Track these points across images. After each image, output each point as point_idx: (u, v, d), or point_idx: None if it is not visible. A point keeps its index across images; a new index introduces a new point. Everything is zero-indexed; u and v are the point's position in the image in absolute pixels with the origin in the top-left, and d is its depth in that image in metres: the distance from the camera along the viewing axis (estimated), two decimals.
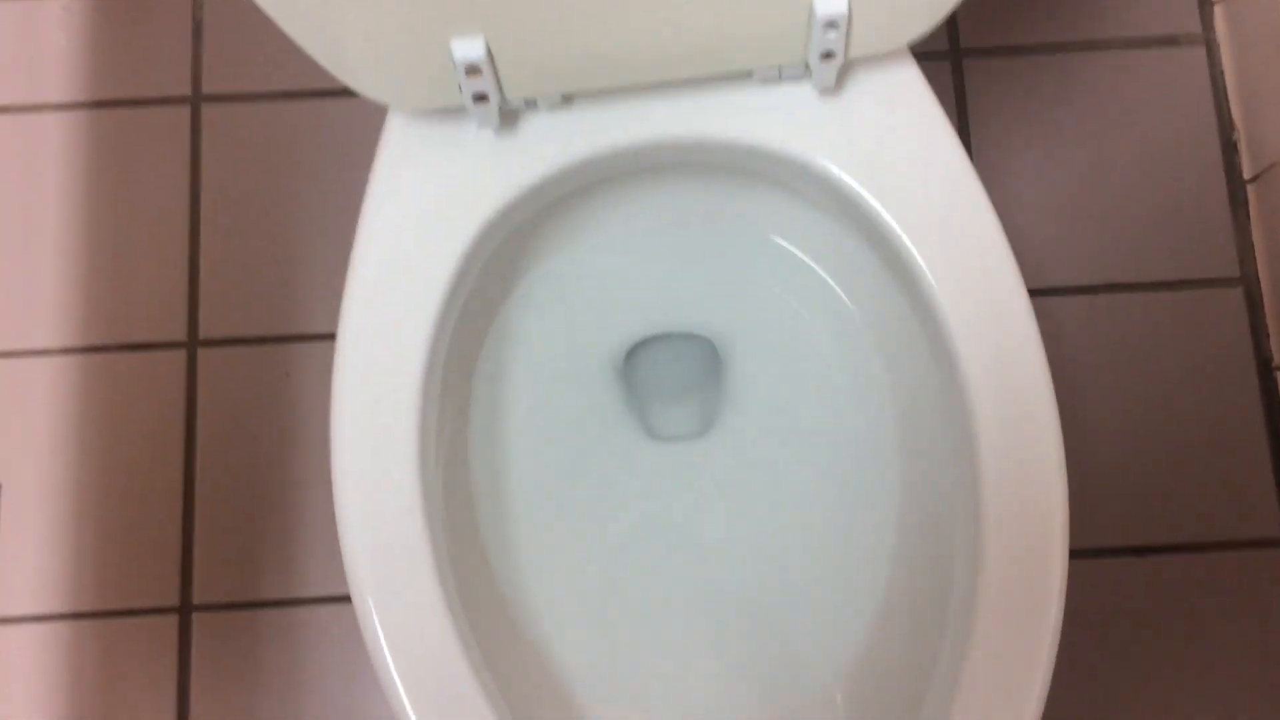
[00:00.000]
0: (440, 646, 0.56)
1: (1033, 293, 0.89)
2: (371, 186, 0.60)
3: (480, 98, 0.57)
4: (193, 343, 0.92)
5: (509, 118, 0.60)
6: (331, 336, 0.59)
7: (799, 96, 0.60)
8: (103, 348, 0.91)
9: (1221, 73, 0.93)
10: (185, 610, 0.88)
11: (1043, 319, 0.90)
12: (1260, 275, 0.90)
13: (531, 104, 0.60)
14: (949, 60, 0.95)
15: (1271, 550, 0.87)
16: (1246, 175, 0.92)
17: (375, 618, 0.55)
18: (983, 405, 0.57)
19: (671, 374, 0.77)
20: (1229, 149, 0.93)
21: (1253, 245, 0.91)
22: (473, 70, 0.55)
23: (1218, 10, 0.94)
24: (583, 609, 0.70)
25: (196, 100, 0.95)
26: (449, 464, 0.66)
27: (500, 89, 0.57)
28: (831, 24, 0.55)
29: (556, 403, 0.72)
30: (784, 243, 0.70)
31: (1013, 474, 0.57)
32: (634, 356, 0.76)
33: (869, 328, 0.69)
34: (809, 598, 0.69)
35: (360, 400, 0.58)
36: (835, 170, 0.60)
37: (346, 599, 0.57)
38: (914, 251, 0.59)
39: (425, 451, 0.59)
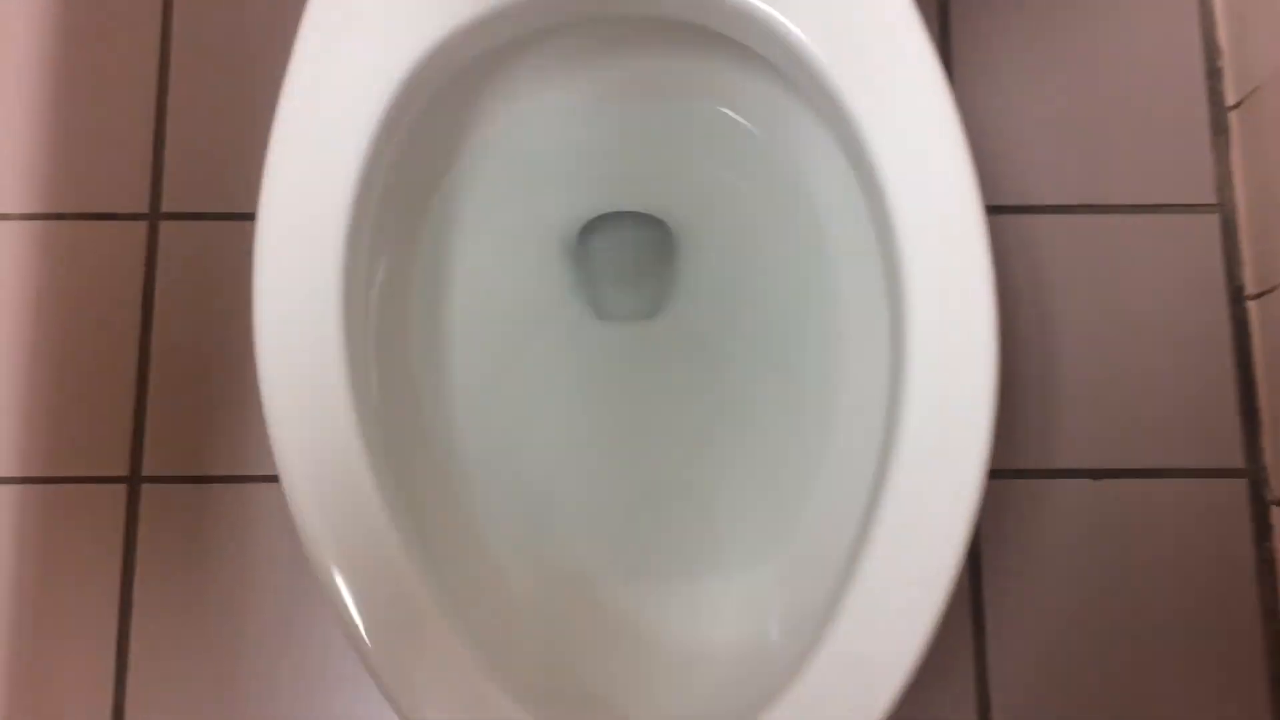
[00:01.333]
0: (359, 494, 0.55)
1: (1008, 209, 0.90)
2: (300, 29, 0.59)
3: None
4: (155, 215, 0.91)
5: None
6: None
7: None
8: (64, 215, 0.90)
9: None
10: (134, 480, 0.87)
11: (1017, 236, 0.90)
12: (1237, 202, 0.89)
13: None
14: None
15: (1231, 480, 0.86)
16: (1229, 101, 0.90)
17: (301, 485, 0.55)
18: (920, 289, 0.56)
19: (622, 253, 0.76)
20: (1213, 74, 0.91)
21: (1231, 172, 0.90)
22: None
23: None
24: (519, 485, 0.69)
25: None
26: (384, 334, 0.65)
27: None
28: None
29: (501, 279, 0.71)
30: (734, 115, 0.69)
31: (940, 350, 0.56)
32: (584, 235, 0.74)
33: (818, 205, 0.68)
34: (745, 484, 0.69)
35: (282, 261, 0.58)
36: (793, 29, 0.58)
37: None
38: (864, 125, 0.58)
39: (352, 313, 0.58)
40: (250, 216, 0.90)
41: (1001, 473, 0.86)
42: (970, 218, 0.57)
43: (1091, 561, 0.85)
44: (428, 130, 0.65)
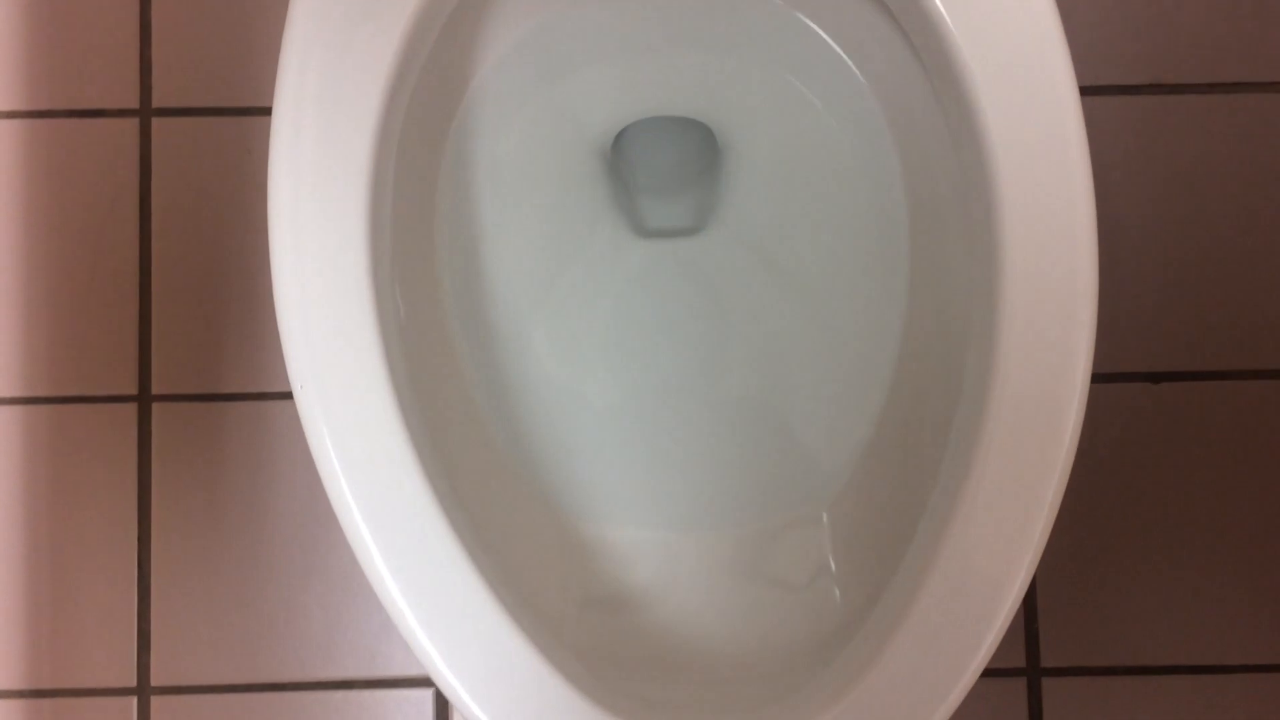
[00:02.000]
0: (384, 438, 0.51)
1: None
2: None
3: None
4: (146, 110, 0.84)
5: None
6: None
7: None
8: (48, 113, 0.84)
9: None
10: (144, 400, 0.83)
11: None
12: None
13: None
14: None
15: None
16: None
17: (316, 410, 0.50)
18: (1011, 209, 0.50)
19: (664, 163, 0.70)
20: None
21: None
22: None
23: None
24: (560, 408, 0.65)
25: None
26: (409, 258, 0.59)
27: None
28: None
29: (535, 191, 0.65)
30: (805, 19, 0.62)
31: (1035, 288, 0.50)
32: (622, 142, 0.68)
33: (886, 116, 0.61)
34: (805, 403, 0.65)
35: (303, 182, 0.52)
36: None
37: None
38: (952, 29, 0.51)
39: (378, 237, 0.53)
40: (249, 111, 0.84)
41: None
42: (1066, 114, 0.51)
43: (1150, 469, 0.82)
44: (455, 32, 0.58)
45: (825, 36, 0.62)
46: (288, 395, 0.82)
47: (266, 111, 0.82)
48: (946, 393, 0.55)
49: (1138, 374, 0.82)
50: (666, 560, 0.64)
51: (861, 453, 0.63)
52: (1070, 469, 0.51)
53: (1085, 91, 0.82)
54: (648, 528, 0.63)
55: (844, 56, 0.62)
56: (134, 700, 0.82)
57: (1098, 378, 0.82)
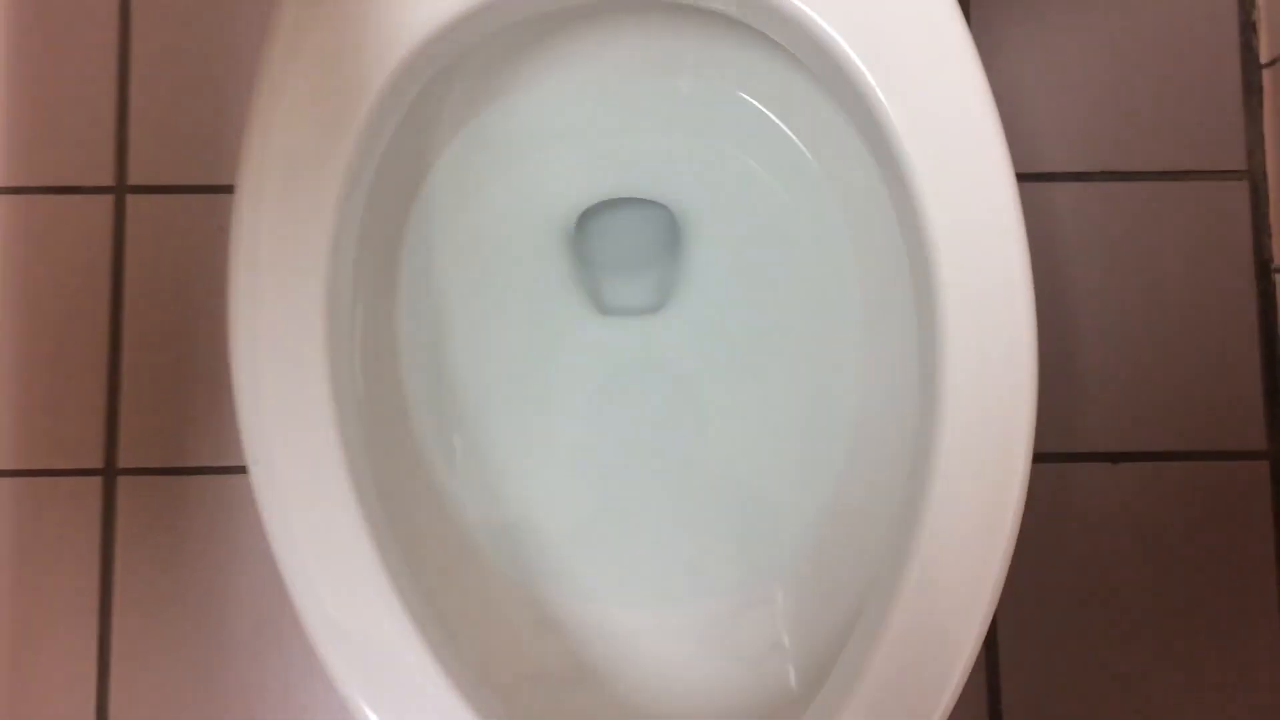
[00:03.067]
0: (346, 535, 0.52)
1: (1025, 177, 0.85)
2: (275, 18, 0.53)
3: None
4: (121, 188, 0.85)
5: None
6: None
7: None
8: (24, 189, 0.85)
9: None
10: (110, 473, 0.83)
11: (1034, 205, 0.85)
12: (1268, 169, 0.84)
13: None
14: None
15: (1252, 462, 0.83)
16: (1263, 59, 0.85)
17: (268, 485, 0.51)
18: (951, 286, 0.51)
19: (625, 244, 0.71)
20: (1246, 29, 0.86)
21: (1263, 136, 0.85)
22: None
23: None
24: (520, 486, 0.66)
25: None
26: (368, 335, 0.60)
27: None
28: None
29: (497, 274, 0.66)
30: (751, 100, 0.64)
31: (977, 363, 0.52)
32: (584, 224, 0.70)
33: (837, 199, 0.63)
34: (761, 482, 0.65)
35: (261, 262, 0.53)
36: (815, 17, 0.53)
37: None
38: (891, 115, 0.53)
39: (336, 314, 0.54)
40: (221, 189, 0.86)
41: None
42: (1002, 198, 0.53)
43: (1110, 548, 0.82)
44: (417, 118, 0.60)
45: (777, 121, 0.64)
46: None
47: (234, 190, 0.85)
48: (894, 473, 0.56)
49: (1097, 454, 0.83)
50: (625, 637, 0.64)
51: (816, 531, 0.63)
52: (1014, 545, 0.51)
53: (1040, 178, 0.85)
54: (607, 604, 0.63)
55: (796, 141, 0.64)
56: None
57: (1059, 457, 0.83)
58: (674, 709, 0.60)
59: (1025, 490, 0.52)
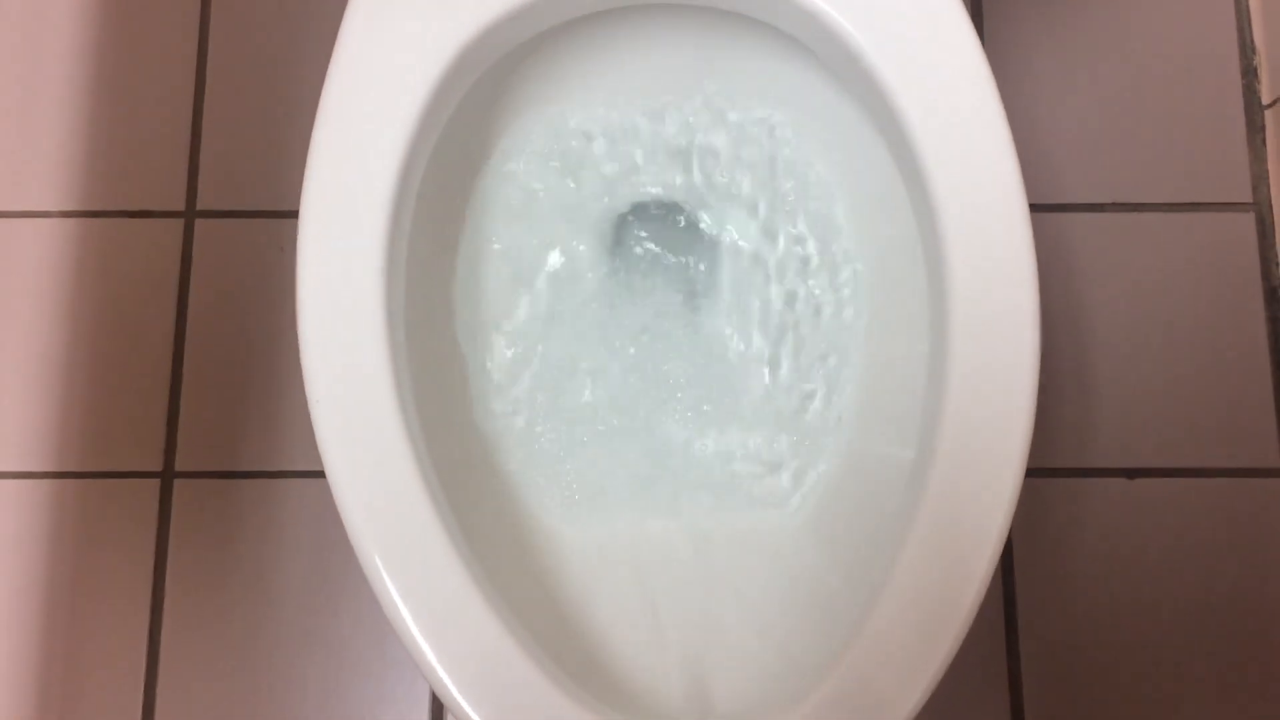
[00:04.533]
0: (409, 504, 0.56)
1: (1040, 208, 0.90)
2: (347, 13, 0.60)
3: None
4: (190, 213, 0.91)
5: None
6: None
7: None
8: (101, 213, 0.91)
9: None
10: (167, 476, 0.88)
11: (1050, 235, 0.90)
12: (1272, 201, 0.89)
13: None
14: None
15: (1266, 479, 0.86)
16: (1265, 100, 0.90)
17: (347, 487, 0.55)
18: (963, 289, 0.56)
19: (663, 243, 0.76)
20: (1249, 73, 0.91)
21: (1267, 172, 0.89)
22: None
23: None
24: (565, 463, 0.70)
25: None
26: (421, 324, 0.65)
27: None
28: None
29: (540, 267, 0.72)
30: (779, 115, 0.70)
31: (980, 373, 0.56)
32: (624, 222, 0.75)
33: (857, 204, 0.68)
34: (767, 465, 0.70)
35: (325, 254, 0.58)
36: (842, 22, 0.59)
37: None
38: (910, 121, 0.58)
39: (393, 312, 0.58)
40: (283, 214, 0.92)
41: (1036, 472, 0.85)
42: (1015, 216, 0.58)
43: (1125, 562, 0.85)
44: (469, 116, 0.66)
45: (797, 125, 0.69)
46: (299, 474, 0.87)
47: (296, 214, 0.91)
48: (886, 484, 0.61)
49: (1114, 469, 0.86)
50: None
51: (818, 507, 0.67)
52: (994, 571, 0.55)
53: (1055, 209, 0.90)
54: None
55: (818, 147, 0.69)
56: None
57: (1076, 472, 0.86)
58: None
59: (1016, 496, 0.55)
